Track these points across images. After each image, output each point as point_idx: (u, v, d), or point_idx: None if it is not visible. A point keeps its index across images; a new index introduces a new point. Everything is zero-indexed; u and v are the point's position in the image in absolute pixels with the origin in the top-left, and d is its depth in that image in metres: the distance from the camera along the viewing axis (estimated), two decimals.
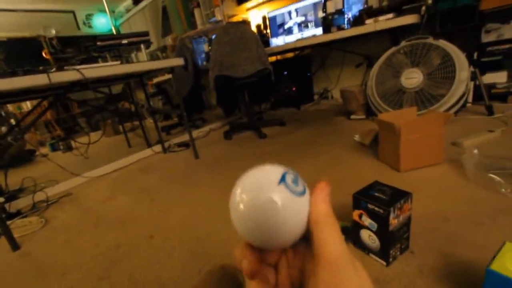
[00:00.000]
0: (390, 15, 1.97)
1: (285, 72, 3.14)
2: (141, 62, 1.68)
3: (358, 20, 2.21)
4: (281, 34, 3.01)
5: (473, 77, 1.74)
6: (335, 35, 2.17)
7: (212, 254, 0.88)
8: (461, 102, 1.60)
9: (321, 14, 2.62)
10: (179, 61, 1.76)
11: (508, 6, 1.79)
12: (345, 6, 2.50)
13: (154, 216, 1.24)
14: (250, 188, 0.20)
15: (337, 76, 3.00)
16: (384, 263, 0.68)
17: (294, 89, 3.13)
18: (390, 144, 1.17)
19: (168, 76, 3.58)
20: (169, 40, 4.15)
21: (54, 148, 3.60)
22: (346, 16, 2.42)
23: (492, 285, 0.46)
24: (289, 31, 2.96)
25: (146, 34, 1.81)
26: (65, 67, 1.36)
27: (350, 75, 2.85)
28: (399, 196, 0.66)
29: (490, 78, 1.90)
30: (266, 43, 2.97)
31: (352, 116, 2.17)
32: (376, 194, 0.68)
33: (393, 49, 1.81)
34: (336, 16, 2.49)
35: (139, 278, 0.85)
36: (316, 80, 3.19)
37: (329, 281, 0.16)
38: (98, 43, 1.70)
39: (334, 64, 3.00)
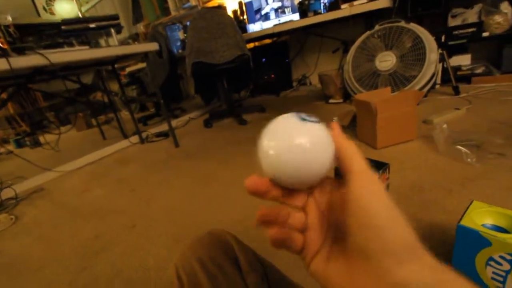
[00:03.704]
0: (365, 0, 2.00)
1: (264, 59, 3.13)
2: (112, 47, 1.59)
3: (333, 5, 2.23)
4: (258, 20, 2.97)
5: (441, 59, 1.83)
6: (312, 19, 2.18)
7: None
8: (431, 83, 1.69)
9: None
10: (153, 46, 1.69)
11: None
12: None
13: (135, 206, 1.20)
14: (276, 135, 0.21)
15: (315, 62, 3.03)
16: None
17: (273, 76, 3.13)
18: (367, 122, 1.21)
19: (142, 65, 3.43)
20: (140, 28, 3.95)
21: (20, 145, 3.36)
22: (322, 1, 2.43)
23: (462, 239, 0.50)
24: (266, 17, 2.93)
25: (116, 17, 1.71)
26: (27, 52, 1.25)
27: (328, 61, 2.90)
28: (377, 166, 0.68)
29: (455, 60, 2.01)
30: (243, 29, 2.92)
31: (331, 100, 2.21)
32: None
33: (368, 33, 1.86)
34: (312, 1, 2.49)
35: (122, 266, 0.83)
36: (295, 67, 3.20)
37: (364, 185, 0.17)
38: (63, 27, 1.58)
39: (312, 50, 3.02)
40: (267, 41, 3.19)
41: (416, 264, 0.15)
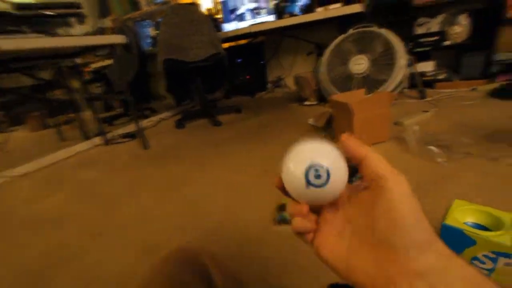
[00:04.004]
0: (339, 5, 2.05)
1: (239, 60, 3.08)
2: (73, 36, 1.43)
3: (309, 8, 2.26)
4: (233, 20, 2.92)
5: (409, 64, 1.92)
6: (287, 21, 2.19)
7: (167, 247, 0.80)
8: (400, 87, 1.76)
9: (273, 1, 2.62)
10: (120, 39, 1.56)
11: (436, 2, 2.01)
12: None
13: (98, 212, 1.08)
14: (297, 160, 0.24)
15: (290, 64, 3.05)
16: None
17: (248, 77, 3.10)
18: (343, 123, 1.21)
19: (108, 62, 3.20)
20: (107, 22, 3.70)
21: None
22: (297, 3, 2.46)
23: (446, 238, 0.49)
24: (241, 18, 2.89)
25: (77, 5, 1.55)
26: None
27: (303, 63, 2.93)
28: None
29: (420, 67, 2.12)
30: (218, 28, 2.85)
31: (306, 102, 2.22)
32: None
33: (342, 36, 1.90)
34: (288, 4, 2.50)
35: (86, 277, 0.73)
36: (270, 68, 3.20)
37: (394, 188, 0.20)
38: (15, 12, 1.39)
39: (287, 52, 3.04)
40: (243, 41, 3.16)
41: (433, 253, 0.18)
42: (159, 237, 0.85)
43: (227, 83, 3.08)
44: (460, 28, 1.98)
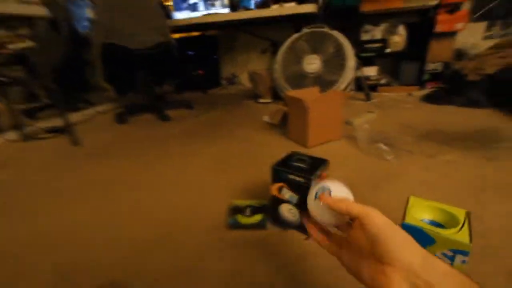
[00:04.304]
0: (293, 3, 2.06)
1: (191, 53, 2.90)
2: None
3: (264, 4, 2.22)
4: (185, 9, 2.74)
5: (357, 67, 2.02)
6: (242, 14, 2.11)
7: (92, 270, 0.65)
8: (349, 88, 1.84)
9: None
10: (40, 11, 1.28)
11: (379, 12, 2.16)
12: None
13: (3, 227, 0.85)
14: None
15: (244, 61, 2.99)
16: (305, 236, 0.64)
17: (201, 72, 2.94)
18: (298, 121, 1.19)
19: (30, 43, 2.69)
20: None
21: None
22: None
23: None
24: (194, 8, 2.72)
25: None
26: None
27: (257, 61, 2.90)
28: (317, 163, 0.62)
29: (365, 71, 2.27)
30: (168, 16, 2.63)
31: (260, 100, 2.18)
32: (296, 164, 0.63)
33: (296, 35, 1.90)
34: None
35: None
36: (224, 64, 3.09)
37: (376, 223, 0.30)
38: None
39: (242, 49, 2.97)
40: (195, 33, 2.98)
41: (416, 256, 0.27)
42: (84, 255, 0.68)
43: (177, 76, 2.87)
44: (399, 38, 2.17)
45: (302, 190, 0.59)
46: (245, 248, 0.64)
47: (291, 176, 0.60)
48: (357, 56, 2.08)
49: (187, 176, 1.05)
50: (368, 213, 0.30)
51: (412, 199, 0.53)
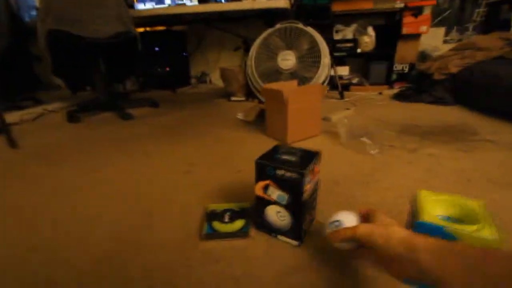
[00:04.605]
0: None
1: (157, 48, 2.70)
2: None
3: None
4: (150, 1, 2.54)
5: (331, 66, 2.01)
6: (210, 6, 1.99)
7: None
8: (325, 85, 1.81)
9: None
10: None
11: (349, 12, 2.19)
12: None
13: None
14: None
15: (215, 59, 2.86)
16: (297, 242, 0.54)
17: (168, 69, 2.74)
18: (276, 116, 1.10)
19: None
20: None
21: None
22: None
23: None
24: (160, 0, 2.54)
25: None
26: None
27: (229, 59, 2.78)
28: (308, 156, 0.53)
29: (338, 70, 2.28)
30: (130, 6, 2.42)
31: (233, 98, 2.07)
32: (284, 157, 0.53)
33: (269, 30, 1.83)
34: None
35: None
36: (194, 62, 2.93)
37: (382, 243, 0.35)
38: None
39: (213, 46, 2.84)
40: (162, 27, 2.79)
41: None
42: (16, 280, 0.51)
43: (141, 73, 2.64)
44: (369, 39, 2.21)
45: (293, 188, 0.49)
46: (224, 263, 0.52)
47: (280, 172, 0.49)
48: (330, 54, 2.07)
49: (150, 180, 0.89)
50: (367, 234, 0.37)
51: (421, 193, 0.46)
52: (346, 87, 2.24)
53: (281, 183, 0.50)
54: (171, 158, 1.06)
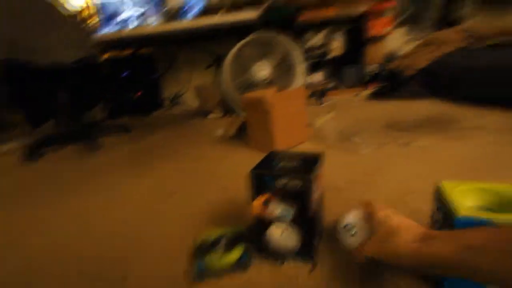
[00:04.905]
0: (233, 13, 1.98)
1: (125, 73, 2.58)
2: None
3: (203, 15, 2.10)
4: (115, 26, 2.47)
5: (306, 72, 2.01)
6: (179, 24, 1.94)
7: None
8: None
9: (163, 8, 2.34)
10: None
11: (316, 21, 2.24)
12: (189, 2, 2.36)
13: None
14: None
15: (188, 79, 2.78)
16: (309, 265, 0.45)
17: (139, 93, 2.62)
18: (260, 126, 1.03)
19: None
20: None
21: None
22: (189, 12, 2.27)
23: None
24: (125, 24, 2.47)
25: None
26: None
27: (202, 78, 2.71)
28: (310, 160, 0.45)
29: (313, 76, 2.29)
30: (92, 31, 2.31)
31: (210, 116, 1.99)
32: (283, 164, 0.45)
33: (242, 42, 1.80)
34: (179, 11, 2.28)
35: None
36: (166, 84, 2.83)
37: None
38: None
39: (184, 66, 2.77)
40: (128, 51, 2.69)
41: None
42: None
43: (109, 99, 2.50)
44: (338, 44, 2.26)
45: (300, 199, 0.41)
46: None
47: (282, 181, 0.41)
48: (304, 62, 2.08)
49: (124, 216, 0.77)
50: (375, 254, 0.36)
51: (446, 185, 0.39)
52: (323, 92, 2.24)
53: (285, 195, 0.42)
54: (146, 186, 0.94)
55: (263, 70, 1.72)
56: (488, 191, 0.37)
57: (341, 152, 0.98)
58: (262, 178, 0.42)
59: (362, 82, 2.27)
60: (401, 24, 2.37)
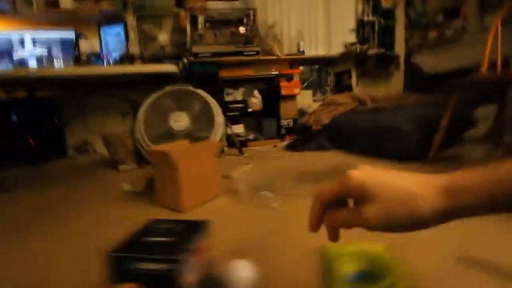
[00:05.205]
0: (152, 64, 1.97)
1: (14, 117, 2.16)
2: None
3: (119, 64, 2.02)
4: (9, 64, 2.14)
5: (226, 124, 2.07)
6: (96, 69, 1.80)
7: None
8: (221, 143, 1.80)
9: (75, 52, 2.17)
10: None
11: (236, 78, 2.42)
12: (104, 48, 2.26)
13: None
14: None
15: (100, 126, 2.51)
16: None
17: (31, 140, 2.19)
18: (167, 179, 0.94)
19: None
20: None
21: None
22: (104, 59, 2.16)
23: None
24: (22, 64, 2.17)
25: None
26: None
27: (117, 126, 2.49)
28: (193, 230, 0.40)
29: (234, 128, 2.37)
30: None
31: (121, 167, 1.77)
32: (155, 239, 0.38)
33: (159, 92, 1.76)
34: (92, 57, 2.14)
35: None
36: (72, 131, 2.47)
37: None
38: None
39: (97, 112, 2.51)
40: (21, 94, 2.30)
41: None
42: None
43: None
44: (256, 100, 2.46)
45: (166, 285, 0.34)
46: None
47: (145, 265, 0.34)
48: (224, 114, 2.16)
49: None
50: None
51: (329, 250, 0.39)
52: (244, 143, 2.33)
53: (150, 283, 0.34)
54: (12, 268, 0.70)
55: (181, 121, 1.69)
56: (363, 254, 0.38)
57: (251, 207, 0.96)
58: (121, 262, 0.34)
59: (279, 134, 2.47)
60: (307, 87, 2.79)
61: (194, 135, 1.68)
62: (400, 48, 2.89)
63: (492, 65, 1.26)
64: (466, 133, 1.42)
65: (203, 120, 1.72)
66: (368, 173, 0.27)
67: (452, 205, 0.24)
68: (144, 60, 2.22)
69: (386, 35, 2.87)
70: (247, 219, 0.87)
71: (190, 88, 1.77)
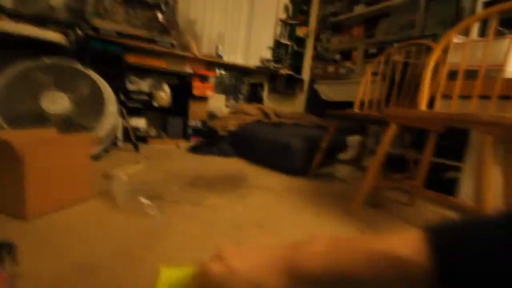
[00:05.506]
0: (29, 26, 1.55)
1: None
2: None
3: None
4: None
5: (122, 115, 1.83)
6: None
7: None
8: (112, 136, 1.58)
9: None
10: None
11: (144, 66, 2.19)
12: None
13: None
14: None
15: None
16: None
17: None
18: (7, 177, 0.73)
19: None
20: None
21: None
22: None
23: None
24: None
25: None
26: None
27: None
28: None
29: (134, 122, 2.13)
30: None
31: None
32: None
33: (32, 63, 1.40)
34: None
35: None
36: None
37: None
38: None
39: None
40: None
41: None
42: None
43: None
44: (164, 94, 2.29)
45: None
46: None
47: None
48: (123, 104, 1.90)
49: None
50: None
51: (164, 272, 0.36)
52: (144, 139, 2.12)
53: None
54: None
55: (59, 103, 1.39)
56: (188, 279, 0.37)
57: (125, 213, 0.86)
58: None
59: (185, 134, 2.37)
60: (224, 91, 2.80)
61: (74, 122, 1.40)
62: (306, 74, 3.29)
63: (363, 104, 1.56)
64: (338, 155, 1.71)
65: (90, 106, 1.46)
66: (224, 268, 0.30)
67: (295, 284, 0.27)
68: (21, 17, 1.73)
69: (297, 60, 3.22)
70: (116, 230, 0.76)
71: (79, 66, 1.48)
